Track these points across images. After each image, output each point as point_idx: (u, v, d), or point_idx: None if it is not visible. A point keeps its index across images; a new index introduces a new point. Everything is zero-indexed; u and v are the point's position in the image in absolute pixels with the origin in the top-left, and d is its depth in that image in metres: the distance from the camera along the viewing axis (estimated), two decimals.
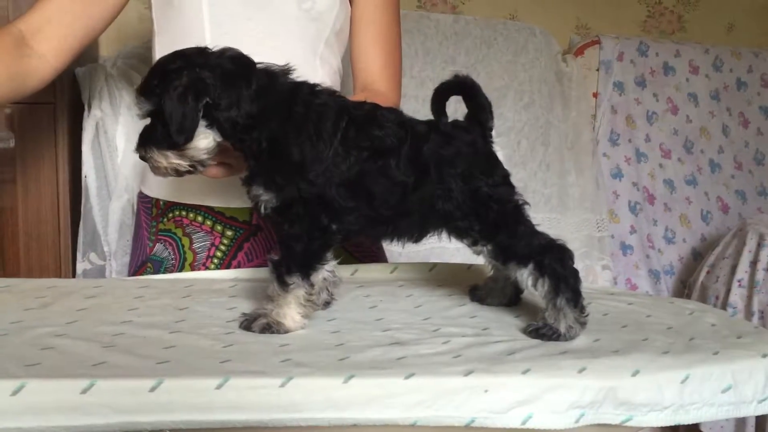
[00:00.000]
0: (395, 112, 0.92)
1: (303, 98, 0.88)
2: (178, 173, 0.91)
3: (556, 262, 0.87)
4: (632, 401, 0.74)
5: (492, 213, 0.89)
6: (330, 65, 1.28)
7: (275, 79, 0.89)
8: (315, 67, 1.25)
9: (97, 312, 0.91)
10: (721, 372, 0.78)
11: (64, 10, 1.15)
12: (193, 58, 0.87)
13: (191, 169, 0.91)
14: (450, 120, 0.94)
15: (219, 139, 0.89)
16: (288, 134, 0.86)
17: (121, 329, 0.84)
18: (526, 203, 0.92)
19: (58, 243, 1.64)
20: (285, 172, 0.86)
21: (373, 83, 1.29)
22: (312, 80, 0.92)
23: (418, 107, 1.96)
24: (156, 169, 0.91)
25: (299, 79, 0.91)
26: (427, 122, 0.92)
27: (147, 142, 0.90)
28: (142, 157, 0.91)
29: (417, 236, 0.93)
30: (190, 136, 0.86)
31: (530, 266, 0.88)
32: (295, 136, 0.86)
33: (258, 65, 0.90)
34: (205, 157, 0.90)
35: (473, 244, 0.91)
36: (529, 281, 0.88)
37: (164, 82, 0.85)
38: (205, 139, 0.88)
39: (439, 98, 0.94)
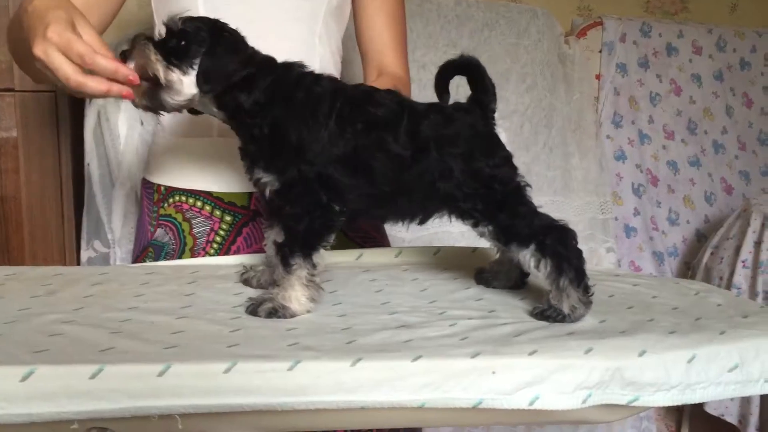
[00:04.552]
0: (392, 93, 0.92)
1: (305, 85, 0.89)
2: (145, 76, 0.88)
3: (557, 243, 0.87)
4: (639, 381, 0.74)
5: (494, 193, 0.89)
6: (329, 45, 1.29)
7: (290, 71, 0.91)
8: (313, 46, 1.26)
9: (103, 298, 0.91)
10: (728, 351, 0.78)
11: (86, 12, 1.15)
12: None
13: (152, 81, 0.88)
14: (452, 101, 0.94)
15: (204, 97, 0.89)
16: (288, 119, 0.87)
17: (128, 315, 0.84)
18: (528, 185, 0.92)
19: (62, 231, 1.64)
20: (284, 155, 0.87)
21: (389, 66, 1.31)
22: (310, 60, 0.94)
23: (419, 91, 1.95)
24: (133, 54, 0.88)
25: (307, 70, 0.92)
26: (427, 104, 0.92)
27: (154, 45, 0.88)
28: (132, 42, 0.89)
29: (421, 218, 0.93)
30: (214, 87, 0.87)
31: (532, 247, 0.87)
32: (293, 121, 0.87)
33: (280, 62, 0.92)
34: (173, 98, 0.88)
35: (475, 225, 0.91)
36: (531, 262, 0.88)
37: (214, 28, 0.88)
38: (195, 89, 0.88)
39: (443, 76, 0.94)
